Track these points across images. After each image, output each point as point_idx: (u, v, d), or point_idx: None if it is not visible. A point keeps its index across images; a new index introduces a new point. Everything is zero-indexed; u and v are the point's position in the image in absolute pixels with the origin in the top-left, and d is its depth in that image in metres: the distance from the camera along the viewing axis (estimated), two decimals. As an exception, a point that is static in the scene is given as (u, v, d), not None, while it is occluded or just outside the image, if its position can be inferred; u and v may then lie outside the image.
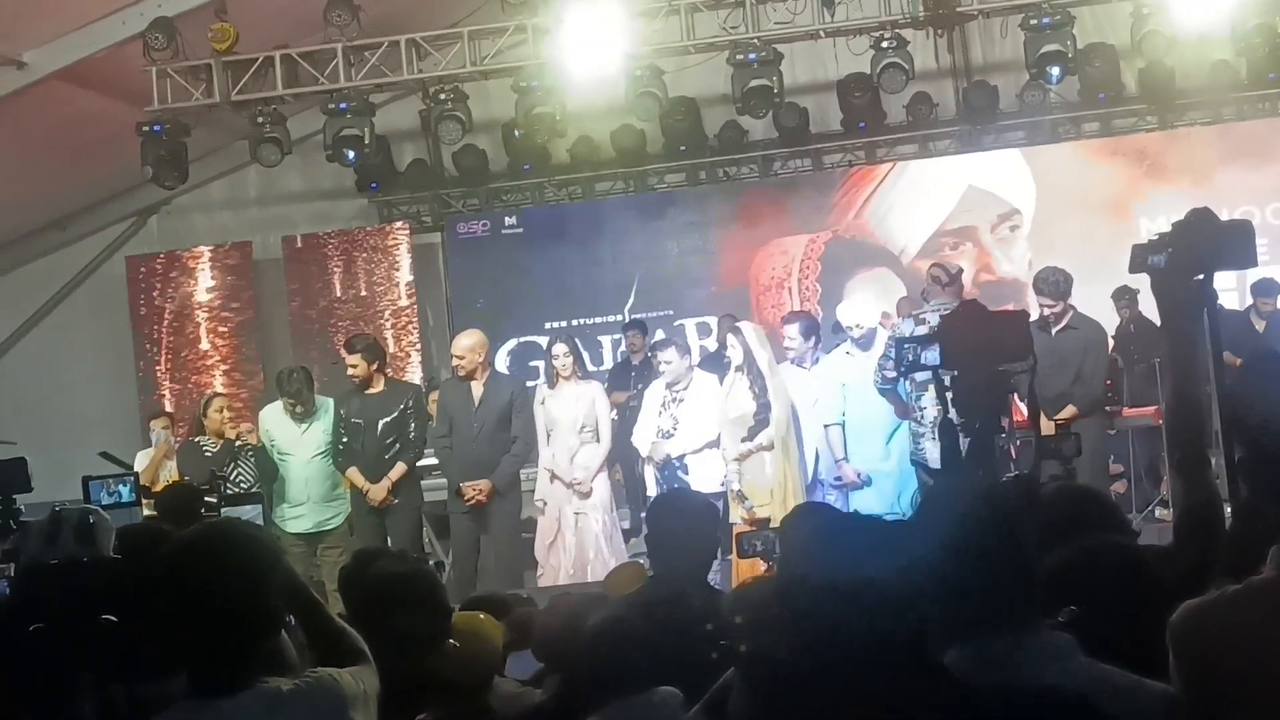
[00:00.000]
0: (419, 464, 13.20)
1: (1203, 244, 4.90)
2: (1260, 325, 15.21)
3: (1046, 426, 12.11)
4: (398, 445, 12.85)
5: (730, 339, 12.65)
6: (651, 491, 12.73)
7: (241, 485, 12.59)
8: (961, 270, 12.62)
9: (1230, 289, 17.14)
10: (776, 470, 12.03)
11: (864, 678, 3.17)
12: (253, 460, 13.01)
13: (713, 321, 17.99)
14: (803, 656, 3.33)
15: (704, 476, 12.37)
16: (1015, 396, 9.13)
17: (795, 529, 6.84)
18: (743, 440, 12.22)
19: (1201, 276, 4.00)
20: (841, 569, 3.26)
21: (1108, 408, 13.49)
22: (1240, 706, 3.40)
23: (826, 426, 12.50)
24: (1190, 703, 3.47)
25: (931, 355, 5.60)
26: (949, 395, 5.45)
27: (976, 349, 5.39)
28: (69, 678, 3.96)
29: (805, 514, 6.71)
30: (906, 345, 5.54)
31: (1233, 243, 4.95)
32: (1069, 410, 12.23)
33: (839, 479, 12.44)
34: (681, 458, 12.52)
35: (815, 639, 3.25)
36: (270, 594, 4.08)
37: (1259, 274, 15.19)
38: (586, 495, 12.65)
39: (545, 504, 12.80)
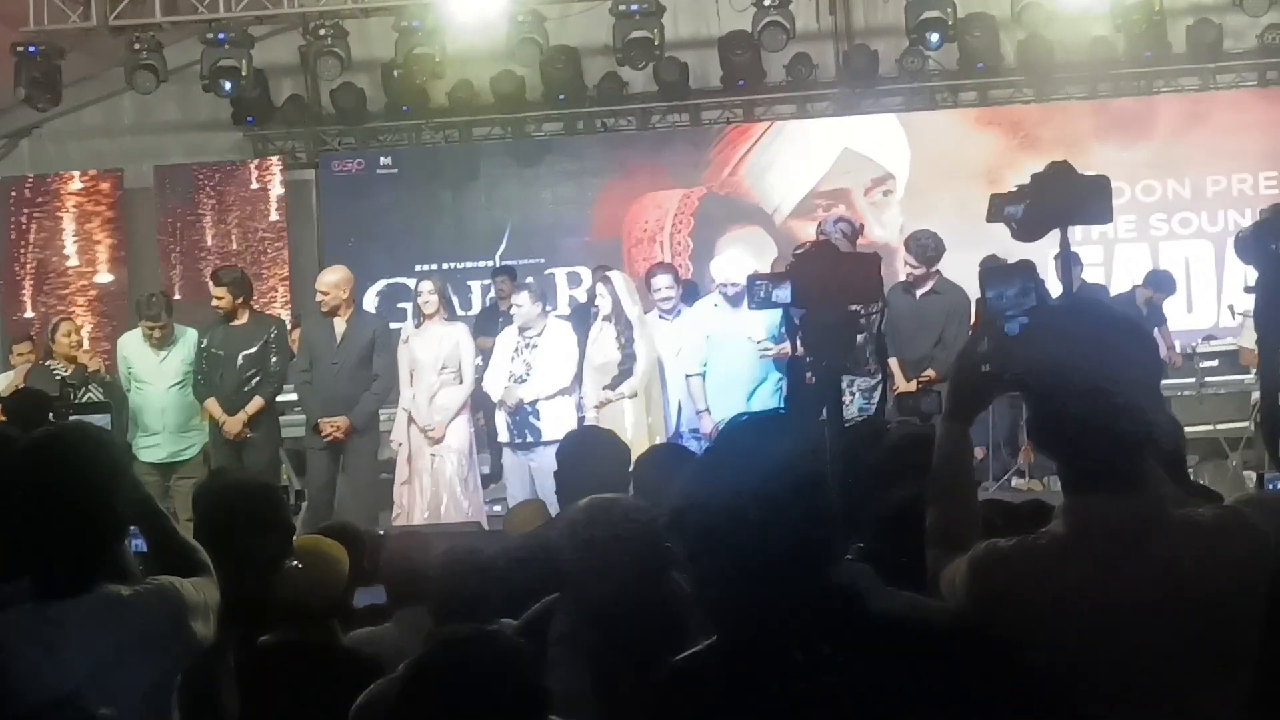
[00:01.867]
0: (279, 399, 13.14)
1: (1060, 197, 4.95)
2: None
3: (900, 380, 12.32)
4: (258, 378, 12.75)
5: (599, 288, 12.67)
6: (503, 437, 12.74)
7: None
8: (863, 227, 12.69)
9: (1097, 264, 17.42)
10: (637, 420, 12.06)
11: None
12: (103, 389, 12.91)
13: (584, 272, 17.96)
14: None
15: (556, 423, 12.34)
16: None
17: (641, 466, 6.89)
18: (605, 388, 12.25)
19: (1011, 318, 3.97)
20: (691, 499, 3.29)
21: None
22: (1018, 642, 3.47)
23: (688, 376, 12.49)
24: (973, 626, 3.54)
25: (782, 293, 5.61)
26: (798, 335, 5.47)
27: (827, 288, 5.41)
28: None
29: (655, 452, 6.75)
30: (758, 283, 5.55)
31: (1090, 197, 5.00)
32: (929, 373, 12.34)
33: (697, 431, 12.46)
34: (534, 403, 12.48)
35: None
36: (117, 499, 4.07)
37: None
38: (437, 441, 12.59)
39: (401, 445, 12.76)
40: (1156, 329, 14.46)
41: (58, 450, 4.08)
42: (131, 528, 4.35)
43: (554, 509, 7.60)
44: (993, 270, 4.17)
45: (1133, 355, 3.56)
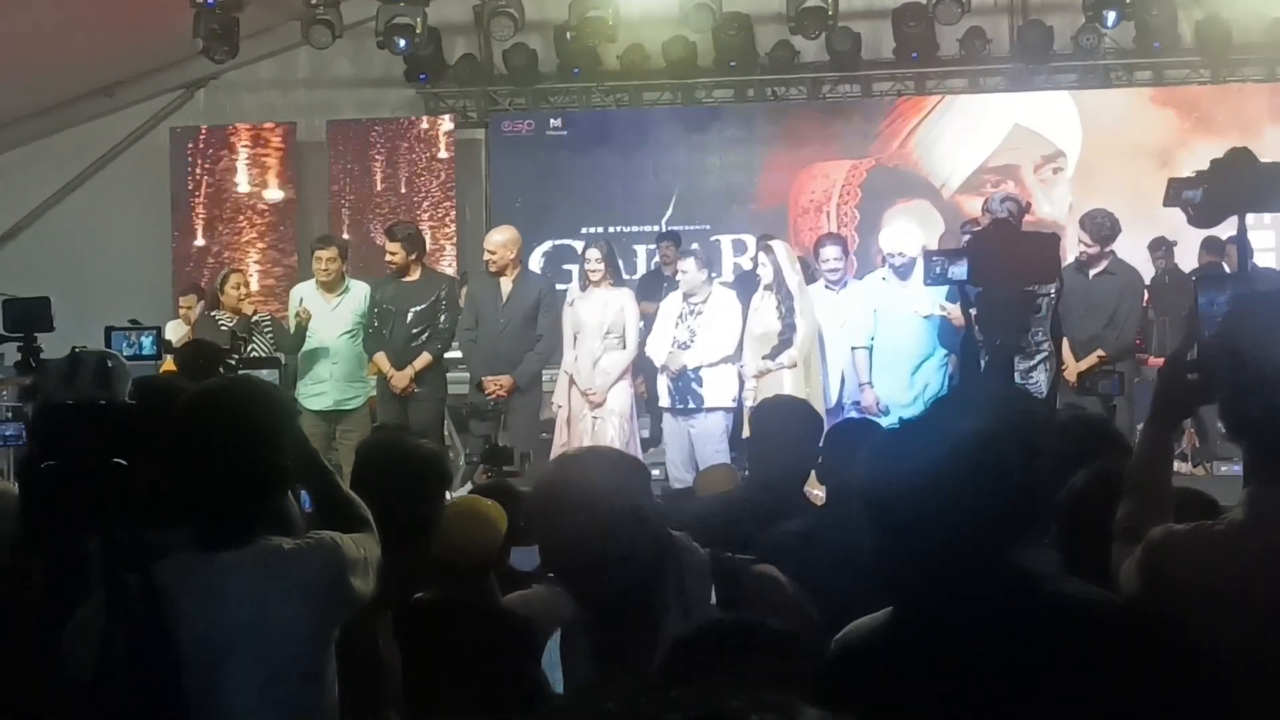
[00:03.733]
0: (446, 356, 13.25)
1: (1240, 183, 4.89)
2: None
3: (1070, 360, 12.21)
4: (426, 334, 12.88)
5: (761, 257, 12.64)
6: (664, 402, 12.77)
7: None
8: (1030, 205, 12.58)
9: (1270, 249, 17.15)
10: (795, 391, 12.00)
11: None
12: (270, 334, 13.10)
13: (749, 240, 17.93)
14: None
15: (719, 391, 12.39)
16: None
17: (832, 438, 6.84)
18: (764, 358, 12.24)
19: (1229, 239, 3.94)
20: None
21: (1136, 355, 13.46)
22: (1190, 628, 3.43)
23: (854, 349, 12.46)
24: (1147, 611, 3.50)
25: (959, 270, 5.59)
26: (973, 311, 5.45)
27: (1004, 267, 5.38)
28: (78, 518, 4.00)
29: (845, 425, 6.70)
30: (935, 259, 5.52)
31: (1270, 185, 4.94)
32: (1099, 353, 12.22)
33: (858, 404, 12.42)
34: (697, 370, 12.47)
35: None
36: (281, 452, 4.13)
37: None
38: (599, 404, 12.63)
39: (562, 407, 12.82)
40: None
41: (225, 403, 4.14)
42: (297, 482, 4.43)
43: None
44: (1206, 278, 4.15)
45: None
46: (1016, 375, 10.58)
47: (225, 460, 4.01)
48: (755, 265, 13.03)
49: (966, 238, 10.89)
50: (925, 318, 12.06)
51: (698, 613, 3.82)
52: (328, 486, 4.46)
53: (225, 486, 4.02)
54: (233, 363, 9.07)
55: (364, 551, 4.24)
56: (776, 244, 12.92)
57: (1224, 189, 4.83)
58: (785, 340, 12.20)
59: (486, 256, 13.04)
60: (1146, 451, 3.93)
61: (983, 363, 5.26)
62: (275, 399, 4.28)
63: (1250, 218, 5.99)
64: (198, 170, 19.75)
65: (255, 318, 13.28)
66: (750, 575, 3.98)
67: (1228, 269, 13.28)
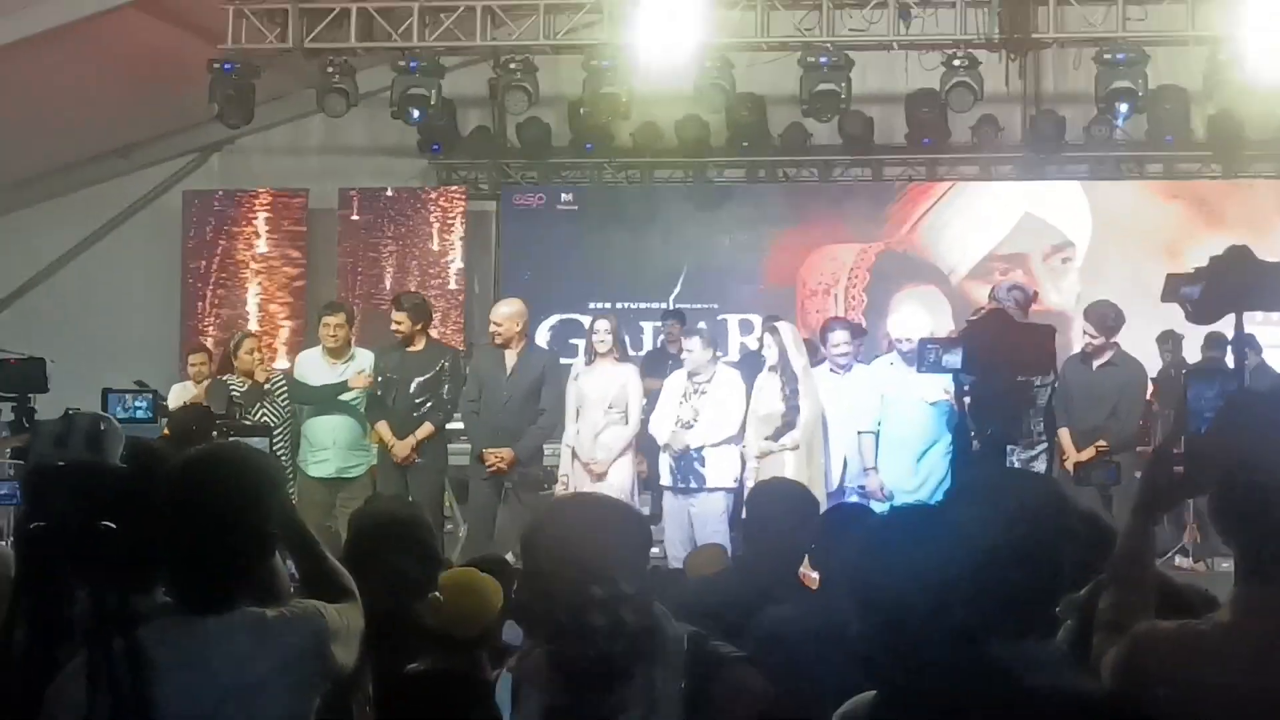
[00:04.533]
0: (448, 427, 13.25)
1: (1238, 281, 4.90)
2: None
3: (1070, 450, 12.21)
4: (429, 405, 12.89)
5: (767, 338, 12.63)
6: (665, 480, 12.73)
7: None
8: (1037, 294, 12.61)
9: None
10: (796, 473, 11.97)
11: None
12: (283, 398, 13.10)
13: (756, 320, 17.91)
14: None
15: (721, 471, 12.35)
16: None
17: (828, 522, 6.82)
18: (767, 439, 12.23)
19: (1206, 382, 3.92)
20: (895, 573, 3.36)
21: (1139, 448, 13.45)
22: None
23: (860, 434, 12.44)
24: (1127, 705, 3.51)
25: (953, 359, 5.61)
26: (966, 400, 5.47)
27: (998, 357, 5.39)
28: (65, 579, 4.00)
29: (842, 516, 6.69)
30: (929, 346, 5.55)
31: (1268, 284, 4.95)
32: (1101, 443, 12.22)
33: (863, 488, 12.40)
34: (700, 450, 12.43)
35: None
36: (266, 519, 4.13)
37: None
38: (600, 477, 12.61)
39: (566, 480, 12.81)
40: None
41: (211, 469, 4.14)
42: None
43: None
44: (1197, 371, 4.16)
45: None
46: (1017, 465, 10.62)
47: (208, 526, 4.01)
48: (760, 346, 13.02)
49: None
50: (932, 404, 12.06)
51: (661, 697, 3.76)
52: (313, 556, 4.45)
53: (209, 553, 4.02)
54: (225, 429, 9.07)
55: (347, 621, 4.24)
56: (782, 325, 12.92)
57: (1222, 286, 4.83)
58: (789, 422, 12.18)
59: (493, 329, 13.05)
60: (1130, 543, 3.93)
61: (975, 448, 5.27)
62: (262, 466, 4.28)
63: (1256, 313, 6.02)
64: (209, 233, 19.82)
65: (268, 384, 13.26)
66: (726, 671, 3.89)
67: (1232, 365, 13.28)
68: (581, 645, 3.63)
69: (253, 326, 18.81)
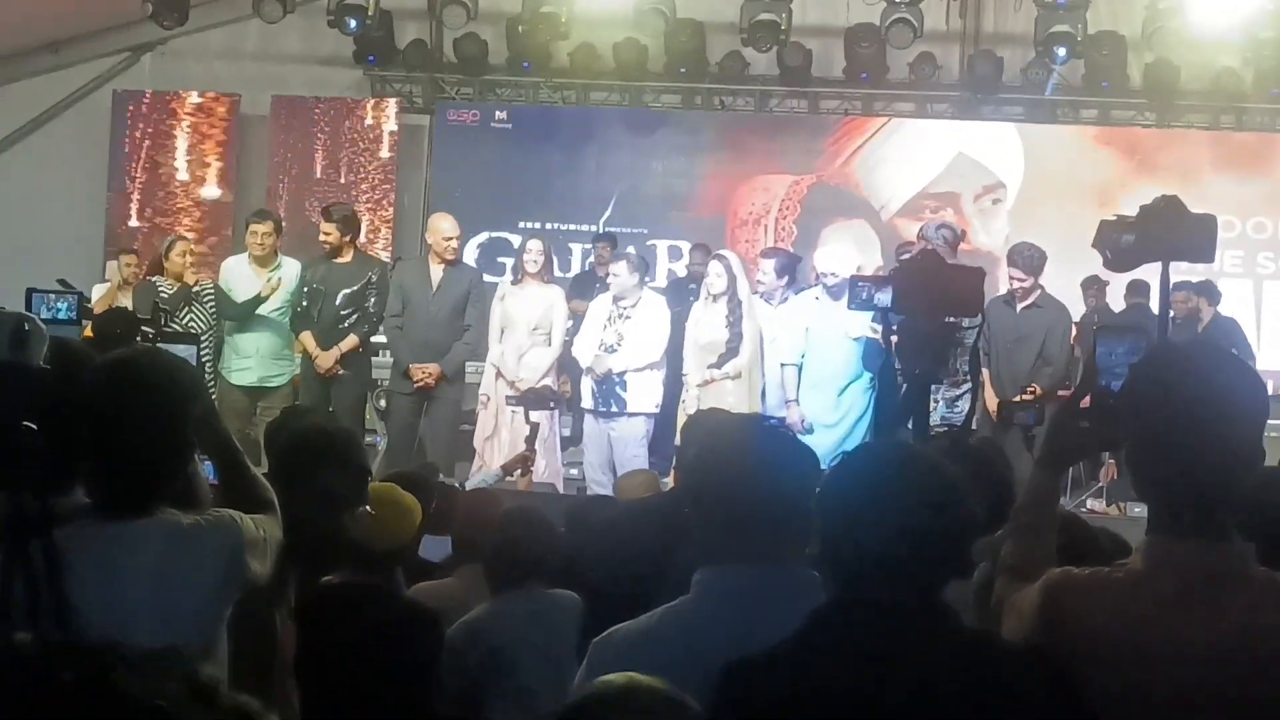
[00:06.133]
0: (372, 341, 13.21)
1: (1166, 232, 4.94)
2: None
3: (990, 392, 12.27)
4: (355, 317, 12.85)
5: (715, 265, 12.59)
6: (587, 403, 12.75)
7: (192, 330, 12.55)
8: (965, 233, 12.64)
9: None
10: (738, 401, 12.02)
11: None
12: (210, 304, 13.01)
13: (685, 247, 17.92)
14: None
15: (642, 396, 12.38)
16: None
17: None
18: (710, 367, 12.25)
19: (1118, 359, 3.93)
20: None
21: (1060, 392, 13.52)
22: (1080, 672, 3.47)
23: (783, 365, 12.46)
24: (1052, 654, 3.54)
25: (883, 297, 5.62)
26: (894, 339, 5.48)
27: (927, 298, 5.40)
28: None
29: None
30: (860, 284, 5.57)
31: (1195, 236, 4.99)
32: (1033, 388, 12.27)
33: (782, 420, 12.42)
34: (622, 374, 12.45)
35: None
36: (185, 425, 4.12)
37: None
38: (526, 398, 12.59)
39: (488, 399, 12.80)
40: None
41: (132, 373, 4.13)
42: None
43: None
44: (1105, 328, 4.17)
45: (1238, 402, 3.52)
46: (942, 404, 10.67)
47: (128, 430, 4.00)
48: (698, 274, 13.01)
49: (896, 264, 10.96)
50: (856, 339, 12.08)
51: None
52: (235, 465, 4.45)
53: (127, 457, 4.01)
54: (150, 334, 9.00)
55: (264, 532, 4.24)
56: (729, 254, 12.95)
57: (1150, 236, 4.86)
58: (732, 350, 12.21)
59: (445, 242, 12.92)
60: (1034, 493, 3.96)
61: (901, 390, 5.28)
62: (182, 372, 4.26)
63: (1226, 265, 6.04)
64: (138, 134, 19.62)
65: (197, 287, 13.17)
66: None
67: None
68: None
69: (179, 230, 18.65)
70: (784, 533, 3.70)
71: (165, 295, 12.84)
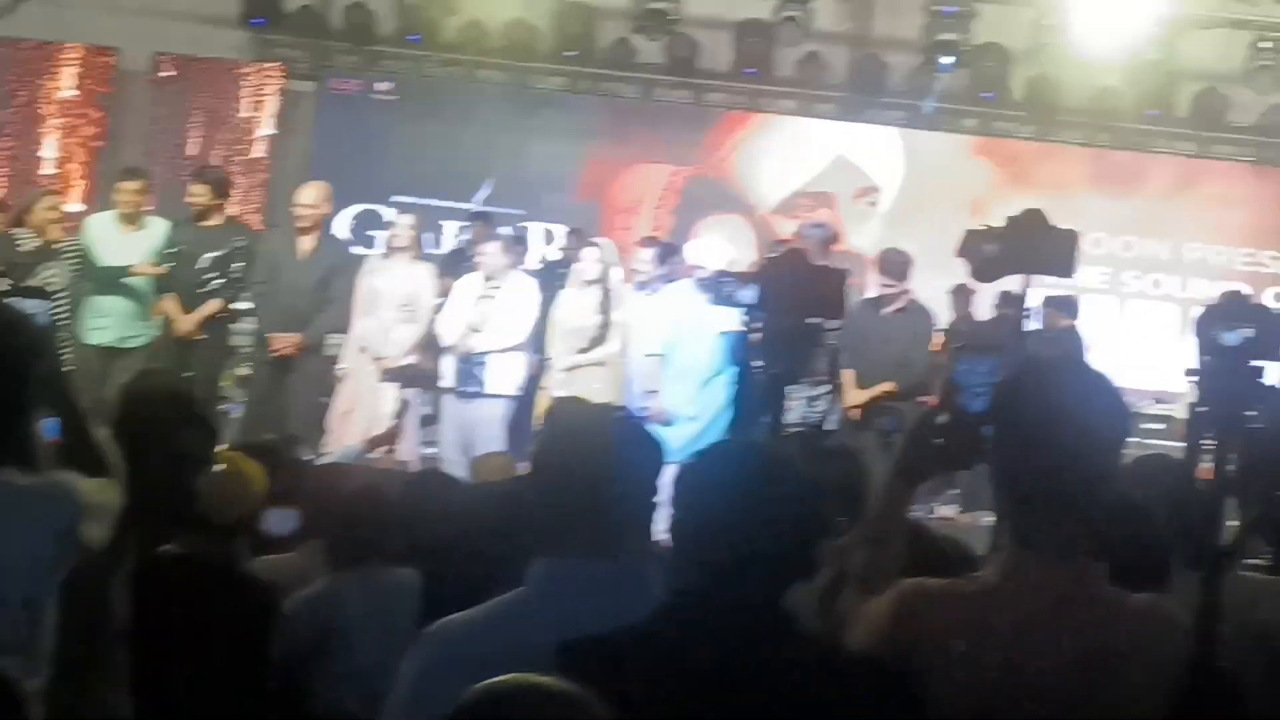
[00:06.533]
0: (234, 307, 13.05)
1: (1028, 244, 4.95)
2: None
3: (855, 395, 12.33)
4: (219, 281, 12.69)
5: (590, 252, 12.62)
6: (447, 382, 12.69)
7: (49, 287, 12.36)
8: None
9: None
10: (604, 388, 12.03)
11: None
12: (75, 261, 12.81)
13: (561, 231, 17.85)
14: None
15: (502, 378, 12.34)
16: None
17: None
18: (580, 352, 12.23)
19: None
20: None
21: (919, 398, 13.58)
22: (929, 684, 3.46)
23: (647, 355, 12.48)
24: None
25: (746, 294, 5.60)
26: (756, 337, 5.47)
27: (791, 298, 5.39)
28: None
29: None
30: (724, 281, 5.55)
31: (1056, 250, 5.01)
32: (886, 386, 12.34)
33: (644, 410, 12.40)
34: (484, 354, 12.43)
35: None
36: (26, 383, 4.03)
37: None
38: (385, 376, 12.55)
39: (348, 373, 12.70)
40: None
41: None
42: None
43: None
44: (965, 349, 4.18)
45: (1098, 423, 3.53)
46: (802, 403, 10.69)
47: None
48: (569, 258, 13.00)
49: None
50: (723, 334, 12.08)
51: None
52: (77, 425, 4.35)
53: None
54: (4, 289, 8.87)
55: (103, 498, 4.15)
56: (605, 241, 13.01)
57: (1013, 247, 4.88)
58: (600, 336, 12.21)
59: (303, 210, 12.83)
60: (885, 504, 3.94)
61: (757, 389, 5.27)
62: (26, 328, 4.18)
63: (1092, 281, 6.07)
64: (9, 82, 19.29)
65: (59, 245, 12.96)
66: None
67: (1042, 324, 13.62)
68: None
69: (45, 183, 18.37)
70: (623, 526, 3.68)
71: (25, 249, 12.62)
